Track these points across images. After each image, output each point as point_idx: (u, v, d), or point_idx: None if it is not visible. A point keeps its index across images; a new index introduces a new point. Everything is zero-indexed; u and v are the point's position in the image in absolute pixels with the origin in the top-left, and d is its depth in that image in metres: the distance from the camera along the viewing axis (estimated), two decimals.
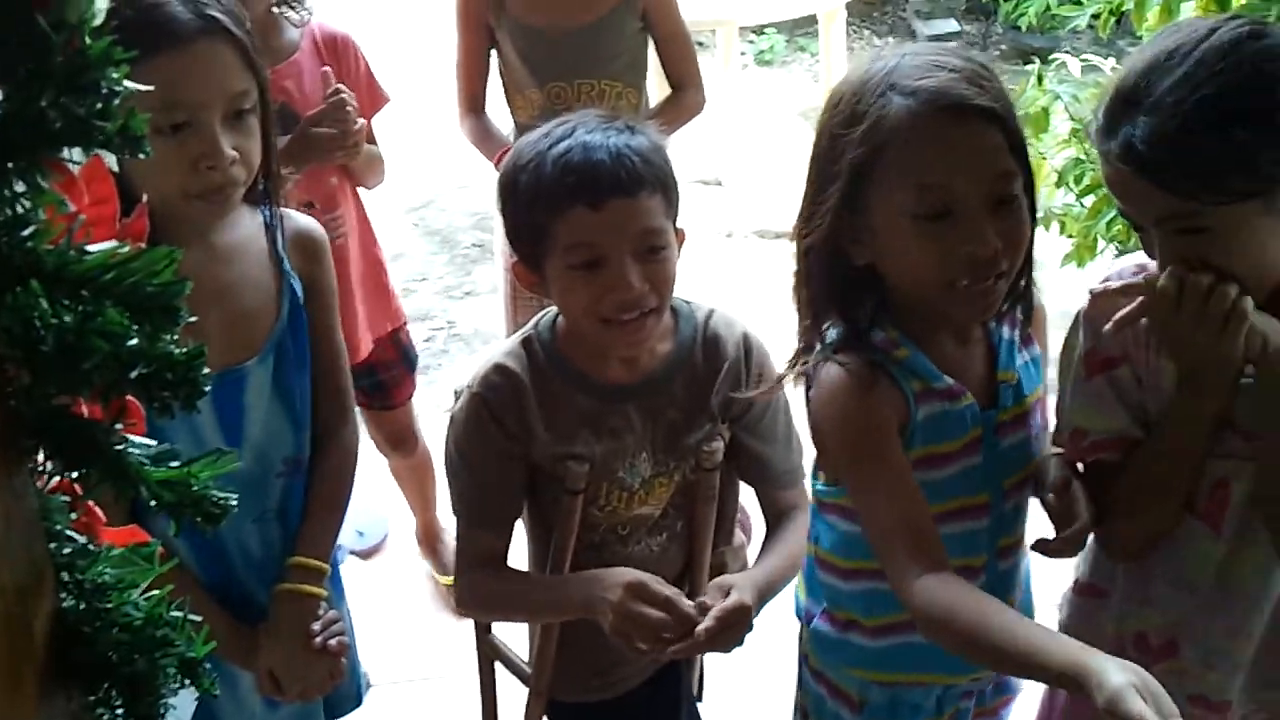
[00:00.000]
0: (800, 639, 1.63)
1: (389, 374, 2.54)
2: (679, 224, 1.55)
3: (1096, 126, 1.31)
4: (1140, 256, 1.42)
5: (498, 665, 1.82)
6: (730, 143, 5.46)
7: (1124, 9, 2.79)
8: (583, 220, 1.44)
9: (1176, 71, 1.23)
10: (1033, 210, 1.35)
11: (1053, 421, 1.52)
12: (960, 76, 1.30)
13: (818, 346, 1.41)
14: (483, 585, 1.62)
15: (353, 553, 3.08)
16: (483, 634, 1.81)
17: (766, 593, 1.55)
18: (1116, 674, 1.08)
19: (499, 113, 2.67)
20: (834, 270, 1.38)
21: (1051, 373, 1.56)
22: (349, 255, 2.32)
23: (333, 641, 1.60)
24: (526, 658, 1.76)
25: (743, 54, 6.91)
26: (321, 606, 1.62)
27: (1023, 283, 1.41)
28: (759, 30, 6.65)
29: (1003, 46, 6.73)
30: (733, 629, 1.45)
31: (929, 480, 1.40)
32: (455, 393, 1.61)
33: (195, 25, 1.40)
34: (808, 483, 1.62)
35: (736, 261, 4.81)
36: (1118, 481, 1.44)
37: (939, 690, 1.55)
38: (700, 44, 6.44)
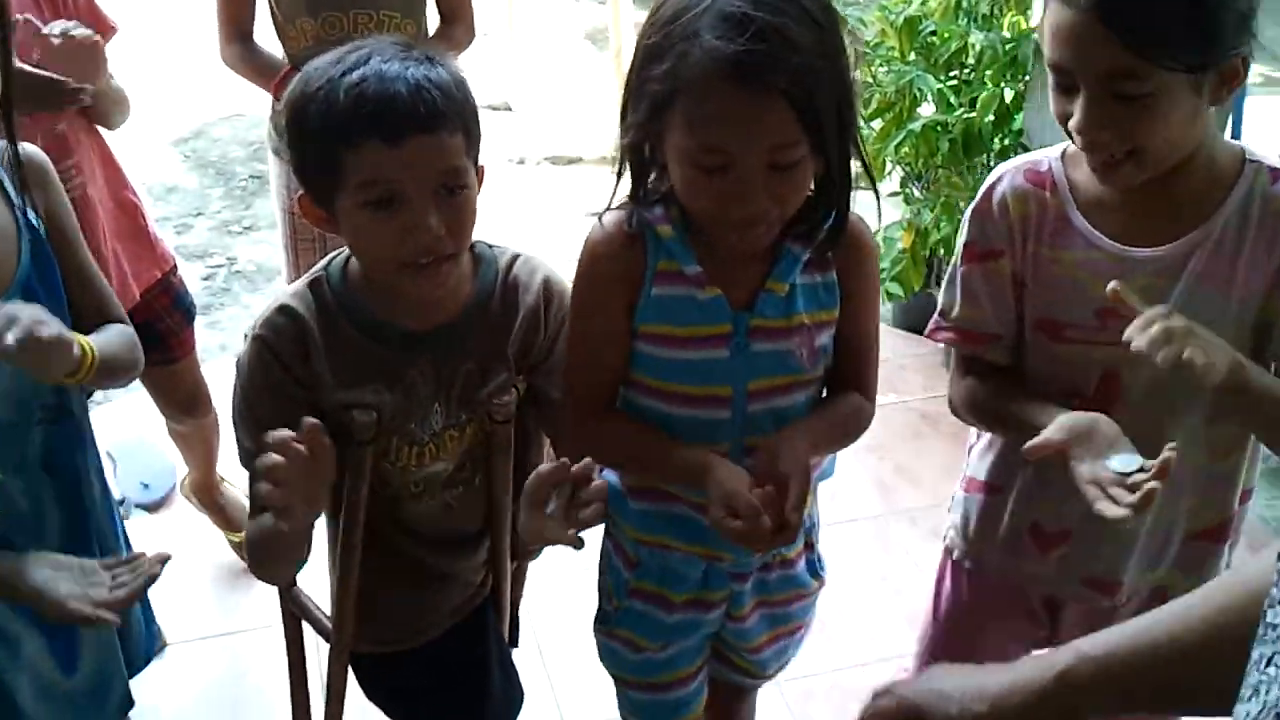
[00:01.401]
0: None
1: (163, 324, 2.35)
2: (479, 161, 1.48)
3: None
4: (1022, 158, 1.50)
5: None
6: (518, 67, 5.37)
7: None
8: (378, 156, 1.34)
9: None
10: (846, 150, 1.37)
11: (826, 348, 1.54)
12: (763, 42, 1.26)
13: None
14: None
15: (139, 505, 2.93)
16: (285, 590, 1.73)
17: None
18: (730, 479, 1.35)
19: (268, 43, 2.52)
20: (636, 164, 1.45)
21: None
22: (94, 203, 2.15)
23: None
24: (329, 612, 1.69)
25: None
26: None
27: (828, 214, 1.43)
28: None
29: None
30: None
31: (665, 358, 1.47)
32: (245, 335, 1.50)
33: None
34: None
35: (528, 188, 4.74)
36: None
37: (703, 564, 1.57)
38: None
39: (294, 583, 1.71)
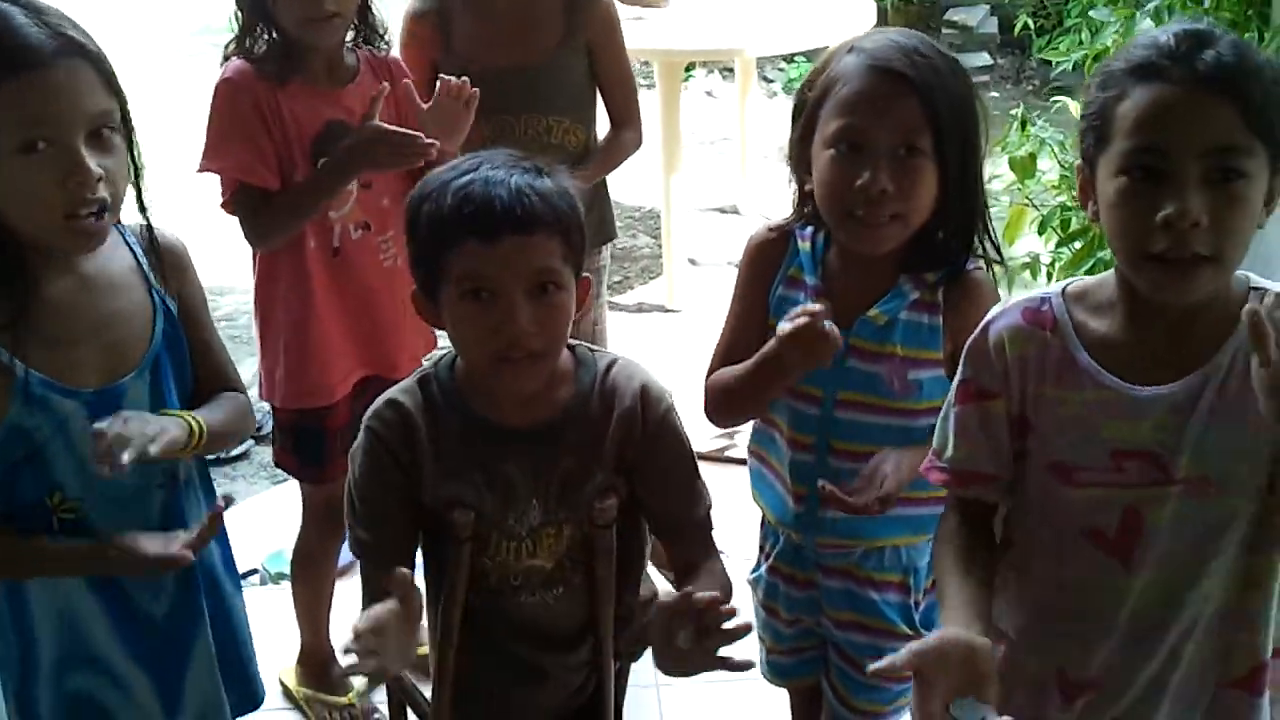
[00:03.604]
0: None
1: None
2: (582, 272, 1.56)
3: (1136, 62, 1.31)
4: (1020, 297, 1.49)
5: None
6: (750, 171, 5.47)
7: None
8: (474, 253, 1.45)
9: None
10: (968, 179, 1.65)
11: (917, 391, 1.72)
12: (903, 51, 1.61)
13: None
14: None
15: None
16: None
17: None
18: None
19: None
20: (798, 180, 1.77)
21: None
22: (401, 274, 2.32)
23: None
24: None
25: (771, 81, 6.92)
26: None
27: (949, 241, 1.67)
28: (789, 58, 6.65)
29: (1035, 82, 6.68)
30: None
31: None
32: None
33: (52, 46, 1.43)
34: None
35: None
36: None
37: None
38: (728, 71, 6.50)
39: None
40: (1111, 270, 1.42)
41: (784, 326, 1.60)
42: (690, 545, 1.64)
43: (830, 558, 1.84)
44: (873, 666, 1.31)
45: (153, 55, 7.71)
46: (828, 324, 1.57)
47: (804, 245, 1.75)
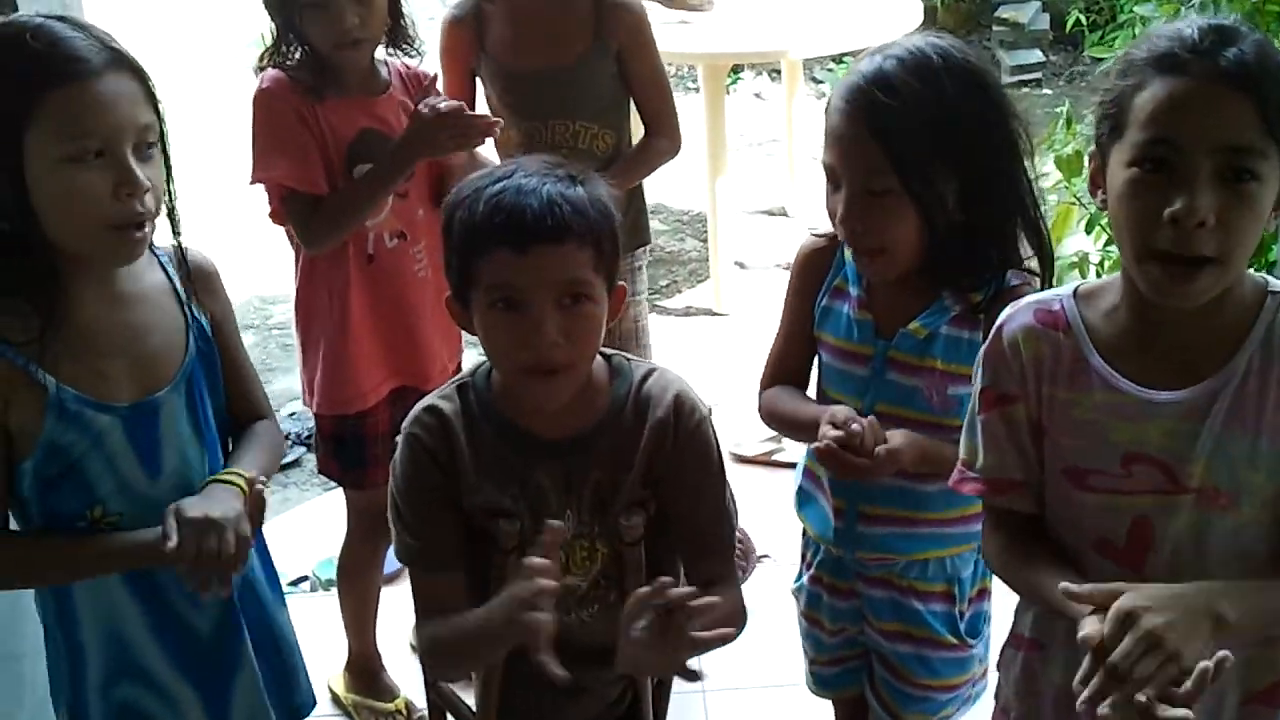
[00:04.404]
0: None
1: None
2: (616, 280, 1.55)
3: (1158, 53, 1.29)
4: (1030, 297, 1.48)
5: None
6: (798, 173, 5.44)
7: None
8: (505, 262, 1.45)
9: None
10: (985, 189, 1.63)
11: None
12: (876, 80, 1.60)
13: None
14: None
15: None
16: (431, 683, 1.81)
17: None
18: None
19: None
20: None
21: None
22: (430, 286, 2.37)
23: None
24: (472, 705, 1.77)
25: (820, 83, 6.88)
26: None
27: (985, 250, 1.65)
28: (838, 59, 6.61)
29: (1088, 78, 6.58)
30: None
31: (825, 361, 1.82)
32: (394, 441, 1.63)
33: (103, 58, 1.46)
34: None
35: None
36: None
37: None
38: (776, 73, 6.47)
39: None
40: (1119, 272, 1.40)
41: (823, 434, 1.63)
42: (710, 562, 1.61)
43: (871, 568, 1.83)
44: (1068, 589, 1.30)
45: (207, 68, 7.82)
46: None
47: (850, 256, 1.75)
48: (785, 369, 1.85)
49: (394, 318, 2.37)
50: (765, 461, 3.51)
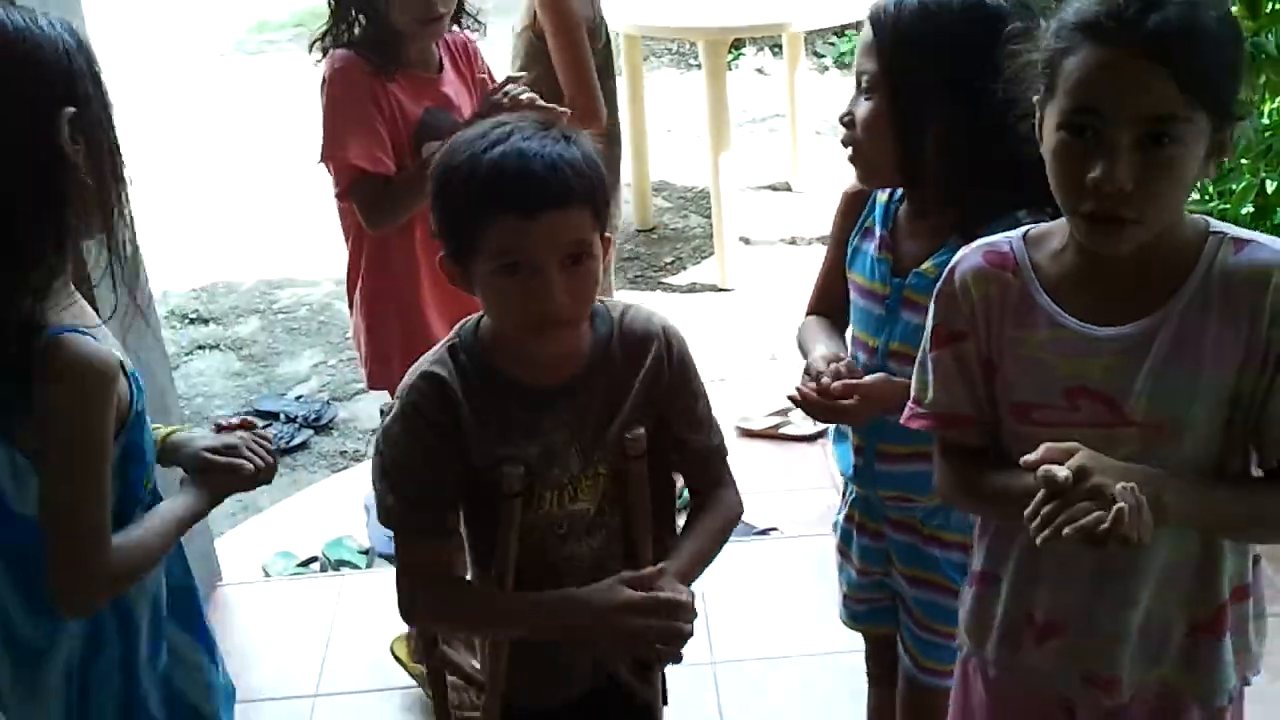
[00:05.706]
0: None
1: None
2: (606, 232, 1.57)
3: (1086, 18, 1.30)
4: (981, 240, 1.50)
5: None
6: (802, 147, 5.44)
7: None
8: (513, 228, 1.45)
9: None
10: (979, 127, 1.59)
11: None
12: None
13: None
14: (433, 601, 1.63)
15: (382, 555, 3.13)
16: (431, 647, 1.82)
17: (690, 578, 1.60)
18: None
19: None
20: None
21: None
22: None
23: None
24: (475, 662, 1.79)
25: (822, 56, 6.87)
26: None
27: (991, 193, 1.63)
28: (840, 32, 6.59)
29: None
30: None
31: (852, 299, 1.86)
32: (381, 411, 1.63)
33: None
34: None
35: (799, 266, 4.79)
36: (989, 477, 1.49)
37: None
38: (778, 48, 6.45)
39: (437, 641, 1.81)
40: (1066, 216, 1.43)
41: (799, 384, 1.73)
42: (709, 470, 1.71)
43: (895, 510, 1.86)
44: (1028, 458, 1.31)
45: (211, 54, 7.82)
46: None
47: (881, 197, 1.81)
48: (823, 301, 1.95)
49: (457, 295, 2.39)
50: (772, 435, 3.52)
